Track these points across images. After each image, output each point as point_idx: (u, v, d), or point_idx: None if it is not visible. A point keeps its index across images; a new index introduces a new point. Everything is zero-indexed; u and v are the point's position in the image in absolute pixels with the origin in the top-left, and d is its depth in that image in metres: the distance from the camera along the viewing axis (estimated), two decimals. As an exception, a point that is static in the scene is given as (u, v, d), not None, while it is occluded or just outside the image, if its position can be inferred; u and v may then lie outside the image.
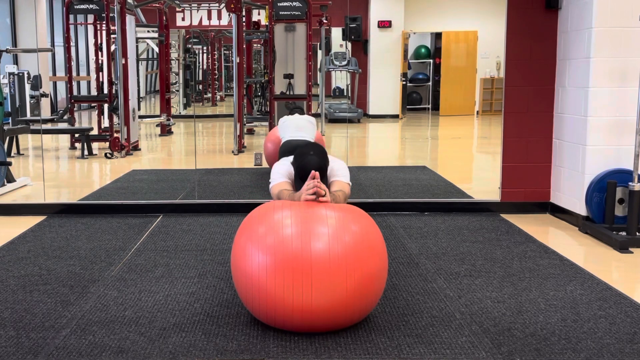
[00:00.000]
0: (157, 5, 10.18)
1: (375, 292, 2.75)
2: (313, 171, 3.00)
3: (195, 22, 11.28)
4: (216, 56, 15.32)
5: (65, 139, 9.25)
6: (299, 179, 3.25)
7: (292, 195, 3.12)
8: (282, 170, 3.39)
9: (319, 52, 11.06)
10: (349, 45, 11.84)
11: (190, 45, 13.79)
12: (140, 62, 11.66)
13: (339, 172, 3.40)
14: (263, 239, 2.66)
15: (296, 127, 5.96)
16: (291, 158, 3.42)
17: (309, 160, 3.20)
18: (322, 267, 2.56)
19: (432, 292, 3.27)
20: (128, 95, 8.34)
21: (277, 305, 2.61)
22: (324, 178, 3.28)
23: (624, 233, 4.28)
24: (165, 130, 10.25)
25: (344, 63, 11.56)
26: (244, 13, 9.36)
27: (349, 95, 12.38)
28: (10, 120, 8.71)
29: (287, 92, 8.95)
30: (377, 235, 2.82)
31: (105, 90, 8.68)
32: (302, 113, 6.84)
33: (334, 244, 2.61)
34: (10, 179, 6.09)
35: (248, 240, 2.72)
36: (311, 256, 2.57)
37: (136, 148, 8.76)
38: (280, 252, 2.59)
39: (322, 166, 3.22)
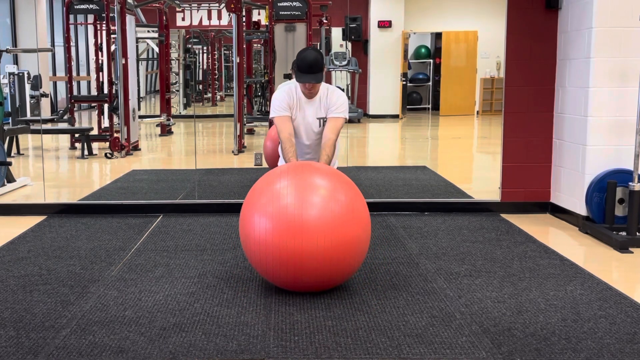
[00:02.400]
0: (157, 5, 10.18)
1: (355, 253, 3.15)
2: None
3: (195, 22, 11.28)
4: (216, 56, 15.33)
5: (65, 139, 9.25)
6: (299, 72, 3.82)
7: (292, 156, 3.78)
8: (282, 102, 3.94)
9: (320, 52, 11.05)
10: (349, 45, 11.84)
11: (190, 45, 13.79)
12: (140, 62, 11.66)
13: (338, 107, 3.93)
14: (265, 207, 3.11)
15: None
16: (290, 82, 4.06)
17: (308, 53, 3.81)
18: (312, 231, 3.00)
19: (432, 292, 3.27)
20: (128, 95, 8.34)
21: (274, 261, 3.05)
22: (320, 73, 3.82)
23: (624, 233, 4.28)
24: (165, 130, 10.25)
25: (344, 63, 11.56)
26: (244, 13, 9.36)
27: (349, 95, 12.38)
28: (10, 120, 8.72)
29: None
30: (361, 204, 3.23)
31: (105, 90, 8.68)
32: None
33: (323, 211, 3.07)
34: (10, 179, 6.09)
35: (253, 208, 3.18)
36: (302, 222, 3.02)
37: (136, 148, 8.76)
38: (278, 219, 3.04)
39: (318, 58, 3.79)
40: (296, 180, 3.19)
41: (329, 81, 12.13)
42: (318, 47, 10.74)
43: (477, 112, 12.92)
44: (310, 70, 3.81)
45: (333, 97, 3.96)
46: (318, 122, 4.00)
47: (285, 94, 3.97)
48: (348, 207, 3.14)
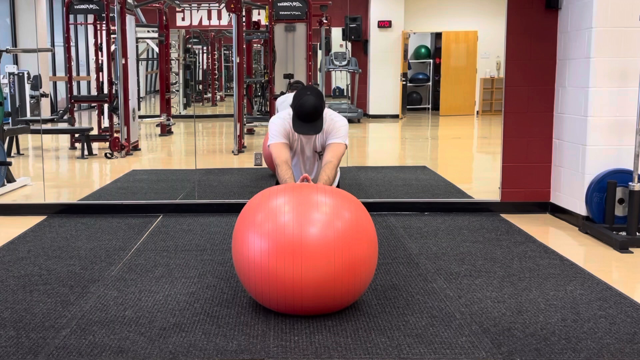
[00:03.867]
0: (157, 5, 10.18)
1: (362, 275, 2.87)
2: (304, 174, 3.28)
3: (195, 22, 11.28)
4: (216, 56, 15.32)
5: (65, 139, 9.25)
6: (297, 119, 3.55)
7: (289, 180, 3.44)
8: (279, 128, 3.68)
9: (319, 52, 11.06)
10: (349, 45, 11.84)
11: (190, 45, 13.78)
12: (140, 62, 11.65)
13: (338, 132, 3.71)
14: (261, 225, 2.82)
15: None
16: (288, 111, 3.68)
17: (306, 100, 3.50)
18: (313, 252, 2.74)
19: (432, 292, 3.27)
20: (128, 95, 8.34)
21: (271, 286, 2.78)
22: (319, 120, 3.57)
23: (624, 233, 4.28)
24: (165, 130, 10.25)
25: (344, 63, 11.56)
26: (244, 13, 9.36)
27: (349, 95, 12.38)
28: (10, 120, 8.71)
29: (287, 92, 8.94)
30: (368, 222, 2.97)
31: (105, 90, 8.68)
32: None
33: (326, 230, 2.78)
34: (10, 179, 6.09)
35: (248, 226, 2.88)
36: (302, 242, 2.74)
37: (136, 148, 8.76)
38: (276, 238, 2.76)
39: (317, 106, 3.51)
40: (295, 196, 2.92)
41: (329, 81, 12.14)
42: (318, 47, 10.76)
43: (477, 112, 12.92)
44: (309, 119, 3.56)
45: (331, 125, 3.73)
46: (315, 156, 3.88)
47: (284, 122, 3.73)
48: (353, 224, 2.87)
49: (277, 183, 3.66)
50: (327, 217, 2.82)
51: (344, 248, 2.77)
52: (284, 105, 6.14)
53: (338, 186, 4.07)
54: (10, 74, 9.58)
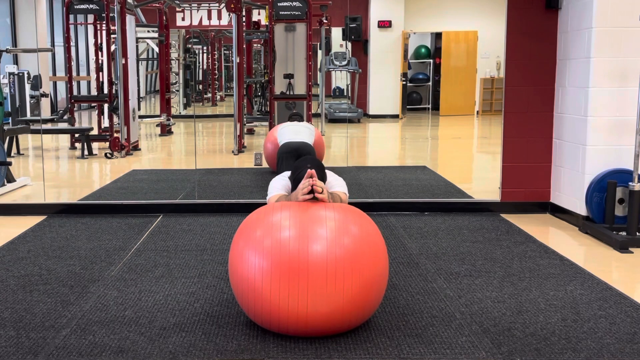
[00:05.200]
0: (157, 5, 10.18)
1: (374, 297, 2.68)
2: (309, 170, 2.95)
3: (195, 22, 11.28)
4: (216, 56, 15.32)
5: (65, 139, 9.25)
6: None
7: (287, 198, 3.09)
8: (279, 184, 3.34)
9: (319, 52, 11.06)
10: (349, 45, 11.84)
11: (190, 45, 13.78)
12: (140, 62, 11.66)
13: (337, 185, 3.34)
14: (260, 242, 2.60)
15: (294, 132, 6.18)
16: (288, 173, 3.39)
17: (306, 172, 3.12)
18: (320, 272, 2.50)
19: (432, 292, 3.27)
20: (128, 95, 8.33)
21: (272, 310, 2.55)
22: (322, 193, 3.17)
23: (624, 233, 4.28)
24: (165, 130, 10.25)
25: (344, 63, 11.55)
26: (244, 13, 9.36)
27: (349, 95, 12.38)
28: (10, 120, 8.71)
29: (287, 92, 8.95)
30: (378, 237, 2.75)
31: (105, 90, 8.68)
32: (300, 120, 6.88)
33: (333, 247, 2.54)
34: (10, 179, 6.09)
35: (245, 242, 2.66)
36: (308, 260, 2.50)
37: (136, 148, 8.76)
38: (277, 256, 2.53)
39: (319, 177, 3.07)
40: (298, 211, 2.69)
41: (329, 81, 12.14)
42: (318, 47, 10.75)
43: (477, 112, 12.92)
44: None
45: (333, 178, 3.39)
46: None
47: (285, 183, 3.33)
48: (363, 240, 2.64)
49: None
50: (334, 234, 2.57)
51: (354, 267, 2.53)
52: (282, 132, 6.31)
53: None
54: (10, 74, 9.58)
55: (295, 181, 3.17)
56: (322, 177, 3.25)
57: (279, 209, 2.74)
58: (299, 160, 3.39)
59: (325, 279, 2.49)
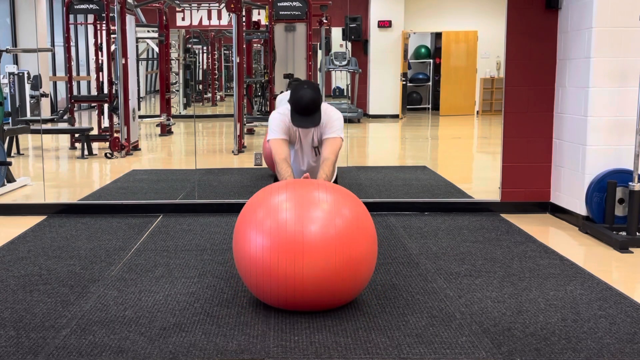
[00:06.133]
0: (157, 5, 10.18)
1: (363, 273, 2.93)
2: (305, 175, 3.33)
3: (195, 22, 11.27)
4: (216, 56, 15.31)
5: (65, 139, 9.25)
6: (295, 113, 3.57)
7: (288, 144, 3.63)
8: (279, 123, 3.73)
9: (319, 52, 11.06)
10: (349, 45, 11.84)
11: (190, 45, 13.78)
12: (140, 62, 11.66)
13: (333, 127, 3.71)
14: (262, 222, 2.86)
15: None
16: (287, 106, 3.71)
17: (304, 93, 3.53)
18: (314, 249, 2.77)
19: (432, 292, 3.27)
20: (128, 95, 8.33)
21: (272, 283, 2.81)
22: (317, 113, 3.60)
23: (624, 233, 4.28)
24: (165, 130, 10.25)
25: (344, 63, 11.55)
26: (244, 13, 9.36)
27: (349, 95, 12.38)
28: (10, 120, 8.72)
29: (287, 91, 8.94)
30: (367, 219, 3.00)
31: (105, 90, 8.68)
32: None
33: (326, 227, 2.82)
34: (10, 179, 6.09)
35: (249, 223, 2.92)
36: (304, 239, 2.77)
37: (136, 148, 8.76)
38: (277, 235, 2.79)
39: (315, 100, 3.54)
40: (296, 193, 2.96)
41: (329, 81, 12.14)
42: (318, 47, 10.75)
43: (477, 112, 12.92)
44: (307, 112, 3.57)
45: (326, 118, 3.72)
46: (313, 151, 3.87)
47: (284, 117, 3.75)
48: (354, 222, 2.91)
49: (276, 180, 3.70)
50: (327, 215, 2.86)
51: (343, 246, 2.81)
52: (283, 102, 6.17)
53: (336, 181, 4.08)
54: (10, 74, 9.58)
55: (293, 102, 3.54)
56: (318, 97, 3.59)
57: (277, 191, 3.00)
58: (297, 84, 3.69)
59: (318, 256, 2.77)
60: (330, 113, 3.76)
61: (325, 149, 3.70)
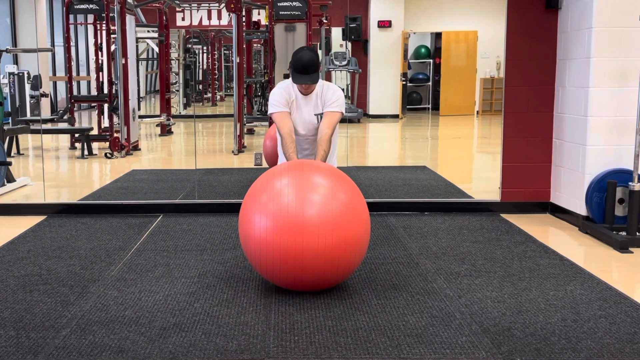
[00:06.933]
0: (157, 5, 10.18)
1: (354, 251, 3.14)
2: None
3: (195, 22, 11.28)
4: (216, 56, 15.32)
5: (65, 139, 9.25)
6: (295, 72, 3.88)
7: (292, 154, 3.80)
8: (280, 98, 3.99)
9: (319, 52, 11.06)
10: (349, 45, 11.84)
11: (190, 45, 13.78)
12: (140, 62, 11.66)
13: (333, 102, 3.98)
14: (266, 206, 3.10)
15: None
16: (287, 81, 4.05)
17: (303, 54, 3.86)
18: (312, 231, 3.01)
19: (432, 292, 3.27)
20: (128, 95, 8.33)
21: (275, 262, 3.05)
22: (316, 73, 3.89)
23: (624, 233, 4.28)
24: (165, 130, 10.25)
25: (344, 63, 11.56)
26: (244, 13, 9.36)
27: (349, 95, 12.38)
28: (10, 120, 8.72)
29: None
30: (362, 204, 3.25)
31: (105, 90, 8.68)
32: None
33: (323, 211, 3.06)
34: (10, 179, 6.10)
35: (253, 206, 3.17)
36: (304, 221, 3.02)
37: (136, 148, 8.76)
38: (279, 218, 3.04)
39: (313, 58, 3.86)
40: (297, 178, 3.19)
41: (329, 81, 12.14)
42: (318, 47, 10.75)
43: (477, 112, 12.92)
44: (306, 70, 3.87)
45: (329, 92, 4.01)
46: (315, 118, 4.06)
47: (283, 91, 4.03)
48: (348, 206, 3.14)
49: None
50: (325, 199, 3.12)
51: (339, 227, 3.05)
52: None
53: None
54: (10, 74, 9.58)
55: (293, 63, 3.86)
56: (316, 59, 3.86)
57: (279, 175, 3.22)
58: (296, 50, 3.96)
59: (316, 237, 3.00)
60: (332, 87, 4.07)
61: (323, 122, 3.96)
